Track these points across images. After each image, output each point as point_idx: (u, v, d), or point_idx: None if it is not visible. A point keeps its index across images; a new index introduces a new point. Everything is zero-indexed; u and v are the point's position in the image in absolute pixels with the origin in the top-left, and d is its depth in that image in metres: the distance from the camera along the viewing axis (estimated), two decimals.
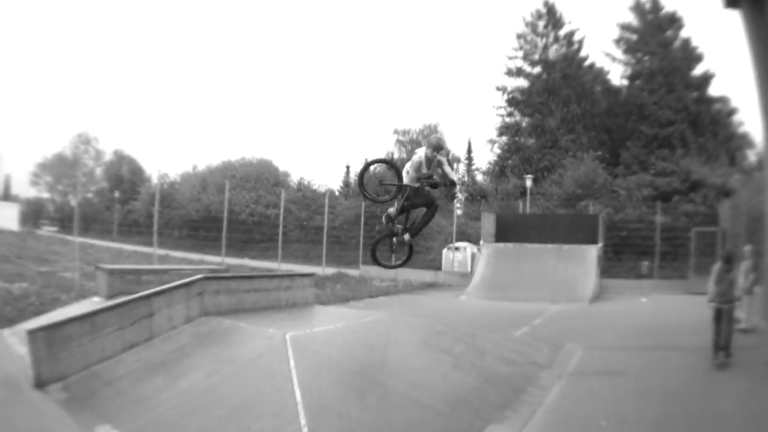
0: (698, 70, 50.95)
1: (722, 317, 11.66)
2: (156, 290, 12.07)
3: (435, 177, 10.37)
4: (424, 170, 9.99)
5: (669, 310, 21.31)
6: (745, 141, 48.95)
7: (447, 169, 10.20)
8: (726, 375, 10.64)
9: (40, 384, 9.70)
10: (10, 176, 64.82)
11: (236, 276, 15.78)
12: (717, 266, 11.86)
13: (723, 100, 50.33)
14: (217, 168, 63.04)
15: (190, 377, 9.29)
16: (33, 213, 72.80)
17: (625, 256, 37.71)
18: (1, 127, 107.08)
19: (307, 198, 53.18)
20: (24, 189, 70.16)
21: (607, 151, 51.94)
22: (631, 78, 53.88)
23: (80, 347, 10.44)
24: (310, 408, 7.17)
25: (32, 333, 10.17)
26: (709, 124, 49.28)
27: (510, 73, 59.48)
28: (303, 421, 6.91)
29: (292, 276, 16.41)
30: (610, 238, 36.87)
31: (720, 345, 11.67)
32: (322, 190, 57.93)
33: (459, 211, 51.58)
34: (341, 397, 7.88)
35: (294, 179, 62.74)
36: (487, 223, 32.81)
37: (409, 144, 73.07)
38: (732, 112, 50.24)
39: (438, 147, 9.90)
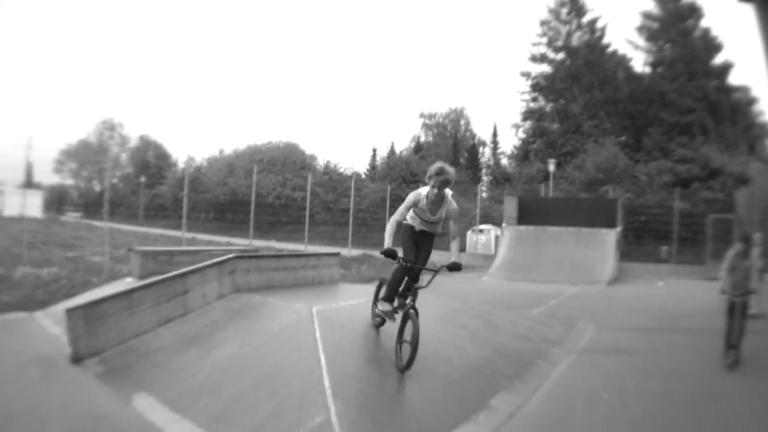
0: (718, 60, 51.42)
1: (735, 311, 10.55)
2: (191, 269, 12.50)
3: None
4: (429, 215, 8.64)
5: (684, 294, 21.52)
6: (765, 131, 49.12)
7: (453, 211, 8.60)
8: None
9: (77, 359, 10.12)
10: (32, 164, 65.55)
11: (266, 255, 16.30)
12: (732, 252, 10.69)
13: (743, 89, 50.67)
14: (244, 152, 63.59)
15: (223, 348, 9.80)
16: (56, 200, 73.20)
17: (645, 240, 37.96)
18: (28, 116, 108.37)
19: (333, 181, 53.55)
20: (46, 176, 70.59)
21: (630, 137, 52.13)
22: (653, 65, 54.33)
23: (117, 323, 10.81)
24: (334, 374, 7.70)
25: (71, 311, 10.51)
26: (728, 112, 49.70)
27: (534, 59, 60.13)
28: (327, 384, 7.45)
29: (318, 255, 16.91)
30: (631, 223, 37.20)
31: (732, 343, 10.65)
32: (349, 173, 58.38)
33: (484, 194, 52.01)
34: (362, 365, 8.43)
35: (320, 162, 63.69)
36: (510, 206, 33.28)
37: (435, 128, 73.33)
38: (752, 101, 50.62)
39: (445, 180, 8.20)
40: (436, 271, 8.55)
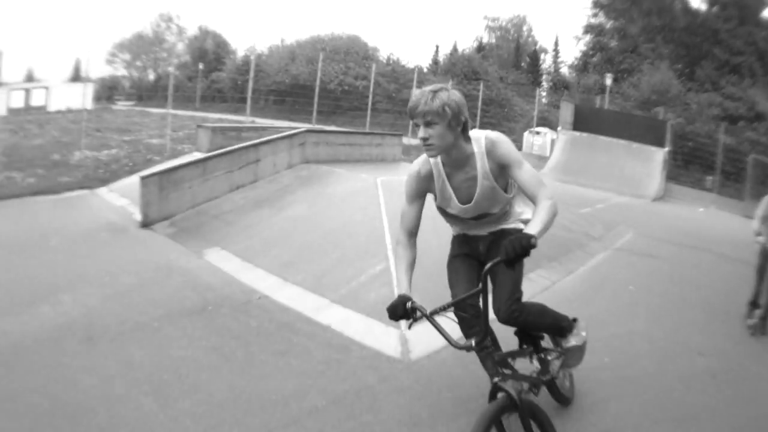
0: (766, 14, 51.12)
1: None
2: (263, 140, 13.11)
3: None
4: (459, 203, 4.14)
5: (721, 224, 21.52)
6: None
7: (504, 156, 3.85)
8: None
9: (146, 224, 10.71)
10: (80, 60, 65.05)
11: (334, 130, 16.97)
12: None
13: None
14: (306, 42, 61.99)
15: (292, 209, 10.54)
16: (107, 90, 70.28)
17: (692, 167, 37.66)
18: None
19: (396, 72, 53.50)
20: (98, 68, 69.13)
21: (684, 66, 51.62)
22: (710, 3, 53.45)
23: (191, 189, 11.42)
24: (395, 232, 8.54)
25: (145, 178, 11.06)
26: None
27: None
28: (387, 240, 8.27)
29: (383, 134, 17.65)
30: (680, 147, 37.10)
31: (759, 302, 8.38)
32: (411, 66, 58.22)
33: (544, 101, 52.06)
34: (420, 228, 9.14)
35: (383, 55, 62.78)
36: (566, 111, 33.09)
37: (498, 30, 72.56)
38: None
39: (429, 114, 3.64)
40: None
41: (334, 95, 46.83)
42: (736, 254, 12.98)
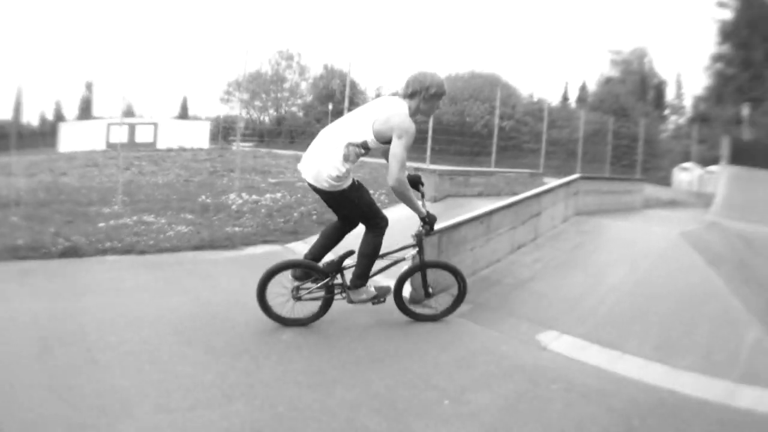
0: None
1: None
2: (544, 189, 11.29)
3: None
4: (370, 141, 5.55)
5: None
6: None
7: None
8: None
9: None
10: (187, 98, 64.18)
11: (602, 177, 16.61)
12: None
13: None
14: (446, 80, 61.05)
15: (612, 273, 8.62)
16: (223, 130, 63.77)
17: None
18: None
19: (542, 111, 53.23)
20: (211, 107, 66.71)
21: None
22: None
23: (473, 251, 8.44)
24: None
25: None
26: None
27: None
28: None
29: (633, 180, 17.31)
30: None
31: None
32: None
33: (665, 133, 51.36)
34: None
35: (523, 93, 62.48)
36: (726, 147, 32.45)
37: (622, 64, 71.50)
38: None
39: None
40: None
41: (479, 137, 45.64)
42: None
